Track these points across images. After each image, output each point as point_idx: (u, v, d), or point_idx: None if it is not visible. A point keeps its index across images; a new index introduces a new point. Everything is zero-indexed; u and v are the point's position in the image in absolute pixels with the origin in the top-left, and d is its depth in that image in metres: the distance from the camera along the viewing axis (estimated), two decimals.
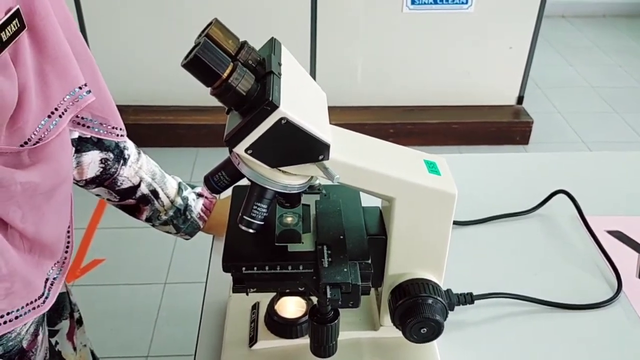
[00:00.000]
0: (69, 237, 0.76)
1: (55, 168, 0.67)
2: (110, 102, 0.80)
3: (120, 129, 0.82)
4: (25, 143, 0.63)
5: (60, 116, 0.66)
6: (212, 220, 0.98)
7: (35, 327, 0.74)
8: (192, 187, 0.98)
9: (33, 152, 0.64)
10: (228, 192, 0.76)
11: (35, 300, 0.69)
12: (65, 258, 0.75)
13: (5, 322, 0.65)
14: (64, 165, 0.69)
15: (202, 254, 0.99)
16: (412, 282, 0.72)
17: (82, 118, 0.76)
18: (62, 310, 0.87)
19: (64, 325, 0.88)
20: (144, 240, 2.21)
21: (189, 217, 0.95)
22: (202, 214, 0.96)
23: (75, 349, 0.90)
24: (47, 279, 0.71)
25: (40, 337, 0.76)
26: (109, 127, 0.80)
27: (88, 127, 0.78)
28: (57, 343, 0.86)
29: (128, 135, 0.85)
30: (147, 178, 0.91)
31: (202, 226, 0.97)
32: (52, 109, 0.65)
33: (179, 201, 0.94)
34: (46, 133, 0.65)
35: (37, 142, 0.64)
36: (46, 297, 0.70)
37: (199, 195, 0.98)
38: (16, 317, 0.66)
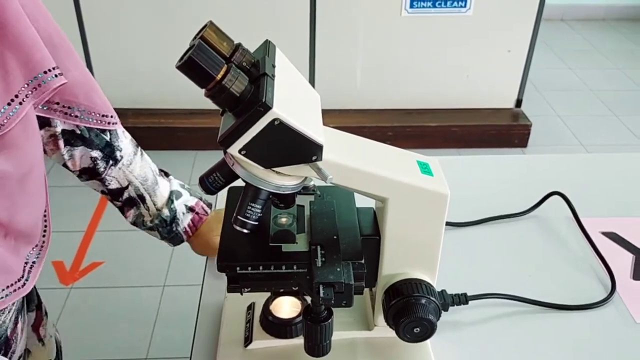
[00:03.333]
0: (45, 221, 0.76)
1: (20, 156, 0.66)
2: (96, 89, 0.79)
3: (112, 116, 0.81)
4: None
5: (20, 103, 0.65)
6: (195, 238, 0.97)
7: (16, 315, 0.75)
8: (190, 193, 0.97)
9: None
10: (222, 196, 0.77)
11: (15, 282, 0.69)
12: (44, 242, 0.75)
13: None
14: (29, 152, 0.68)
15: (201, 256, 1.00)
16: (406, 282, 0.73)
17: (68, 108, 0.76)
18: (29, 302, 0.88)
19: (30, 316, 0.88)
20: (143, 243, 2.20)
21: (174, 229, 0.94)
22: (187, 229, 0.95)
23: (40, 340, 0.90)
24: (26, 262, 0.72)
25: (19, 326, 0.77)
26: (98, 115, 0.79)
27: (76, 116, 0.77)
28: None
29: None
30: (136, 182, 0.90)
31: (185, 239, 0.96)
32: (12, 96, 0.64)
33: (165, 212, 0.92)
34: (6, 120, 0.63)
35: None
36: (26, 280, 0.71)
37: (190, 209, 0.95)
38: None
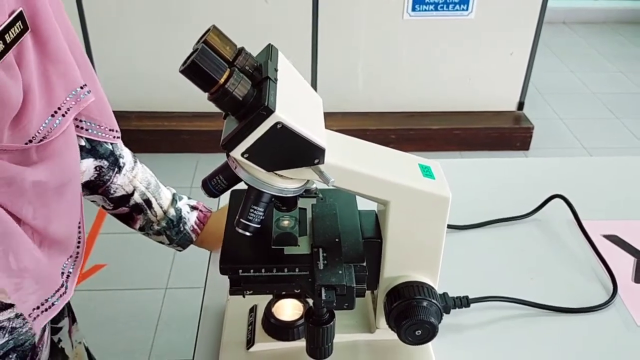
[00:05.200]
0: (79, 232, 0.77)
1: (61, 165, 0.69)
2: (107, 105, 0.82)
3: (116, 131, 0.84)
4: (30, 141, 0.64)
5: (63, 115, 0.68)
6: (205, 235, 0.98)
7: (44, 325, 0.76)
8: (188, 199, 0.98)
9: (39, 150, 0.66)
10: (225, 199, 0.77)
11: (59, 289, 0.71)
12: (78, 253, 0.77)
13: (43, 311, 0.69)
14: (70, 162, 0.71)
15: (203, 259, 1.00)
16: (407, 285, 0.73)
17: (80, 121, 0.78)
18: (64, 308, 0.88)
19: (65, 322, 0.90)
20: (145, 245, 2.20)
21: (182, 229, 0.94)
22: (195, 227, 0.96)
23: (72, 345, 0.91)
24: (62, 273, 0.73)
25: (46, 334, 0.78)
26: (106, 129, 0.82)
27: (87, 130, 0.79)
28: (60, 340, 0.87)
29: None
30: (141, 187, 0.91)
31: (194, 239, 0.97)
32: (55, 108, 0.68)
33: (172, 212, 0.93)
34: (50, 131, 0.67)
35: (42, 140, 0.66)
36: (66, 288, 0.72)
37: (194, 208, 0.97)
38: (51, 306, 0.69)
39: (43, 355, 0.78)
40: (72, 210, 0.74)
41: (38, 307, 0.68)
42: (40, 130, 0.65)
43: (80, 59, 0.74)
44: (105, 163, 0.86)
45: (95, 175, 0.86)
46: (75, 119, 0.77)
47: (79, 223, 0.77)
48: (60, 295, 0.71)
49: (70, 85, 0.69)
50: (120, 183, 0.88)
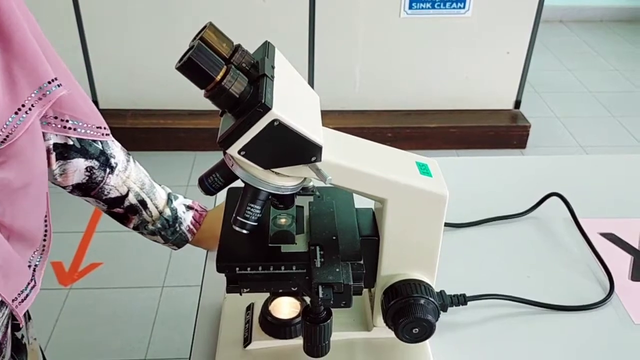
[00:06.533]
0: (46, 225, 0.77)
1: (26, 164, 0.67)
2: (87, 101, 0.80)
3: (105, 128, 0.82)
4: None
5: (26, 112, 0.66)
6: (201, 235, 0.97)
7: (7, 320, 0.76)
8: (184, 198, 0.98)
9: (4, 149, 0.64)
10: (221, 197, 0.77)
11: (29, 283, 0.71)
12: (44, 246, 0.76)
13: (20, 302, 0.69)
14: (35, 161, 0.69)
15: (200, 257, 1.00)
16: (405, 283, 0.73)
17: (66, 121, 0.77)
18: None
19: (24, 320, 0.89)
20: (142, 243, 2.19)
21: (177, 229, 0.94)
22: (191, 227, 0.95)
23: (29, 341, 0.91)
24: (29, 265, 0.73)
25: (9, 330, 0.77)
26: (93, 126, 0.80)
27: (74, 129, 0.78)
28: (22, 337, 0.87)
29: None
30: (135, 188, 0.90)
31: (190, 239, 0.96)
32: (19, 105, 0.65)
33: (167, 212, 0.93)
34: (14, 130, 0.64)
35: (5, 140, 0.64)
36: (34, 281, 0.72)
37: (189, 207, 0.96)
38: (25, 298, 0.69)
39: (7, 351, 0.77)
40: (38, 205, 0.73)
41: (15, 299, 0.68)
42: (3, 129, 0.64)
43: (47, 51, 0.71)
44: (96, 163, 0.85)
45: (87, 177, 0.85)
46: (61, 119, 0.76)
47: (45, 216, 0.76)
48: (32, 288, 0.71)
49: (36, 80, 0.67)
50: (113, 184, 0.88)
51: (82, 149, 0.83)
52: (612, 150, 2.93)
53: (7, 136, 0.64)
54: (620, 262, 1.00)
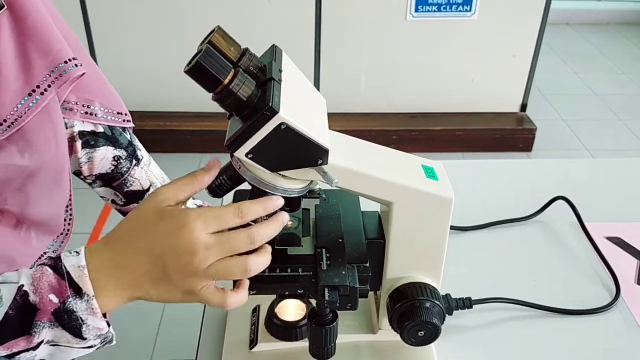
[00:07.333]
0: (67, 212, 0.76)
1: (37, 149, 0.65)
2: (107, 85, 0.78)
3: (126, 114, 0.81)
4: (1, 124, 0.62)
5: (42, 94, 0.64)
6: None
7: None
8: (193, 199, 0.97)
9: (10, 132, 0.63)
10: (228, 200, 0.78)
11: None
12: (69, 231, 0.76)
13: None
14: (47, 147, 0.67)
15: None
16: (410, 286, 0.73)
17: (88, 107, 0.75)
18: None
19: None
20: None
21: None
22: None
23: None
24: (45, 252, 0.72)
25: None
26: (114, 112, 0.79)
27: (96, 115, 0.76)
28: None
29: None
30: (157, 183, 0.90)
31: None
32: (33, 87, 0.64)
33: None
34: (25, 113, 0.63)
35: (15, 122, 0.62)
36: None
37: (200, 207, 0.97)
38: None
39: None
40: (54, 192, 0.71)
41: None
42: (14, 111, 0.62)
43: (67, 35, 0.70)
44: (124, 153, 0.84)
45: (113, 167, 0.84)
46: (82, 105, 0.74)
47: (69, 203, 0.75)
48: None
49: (52, 62, 0.65)
50: (137, 177, 0.87)
51: (113, 137, 0.82)
52: (618, 153, 2.92)
53: (17, 119, 0.63)
54: (627, 267, 0.99)
